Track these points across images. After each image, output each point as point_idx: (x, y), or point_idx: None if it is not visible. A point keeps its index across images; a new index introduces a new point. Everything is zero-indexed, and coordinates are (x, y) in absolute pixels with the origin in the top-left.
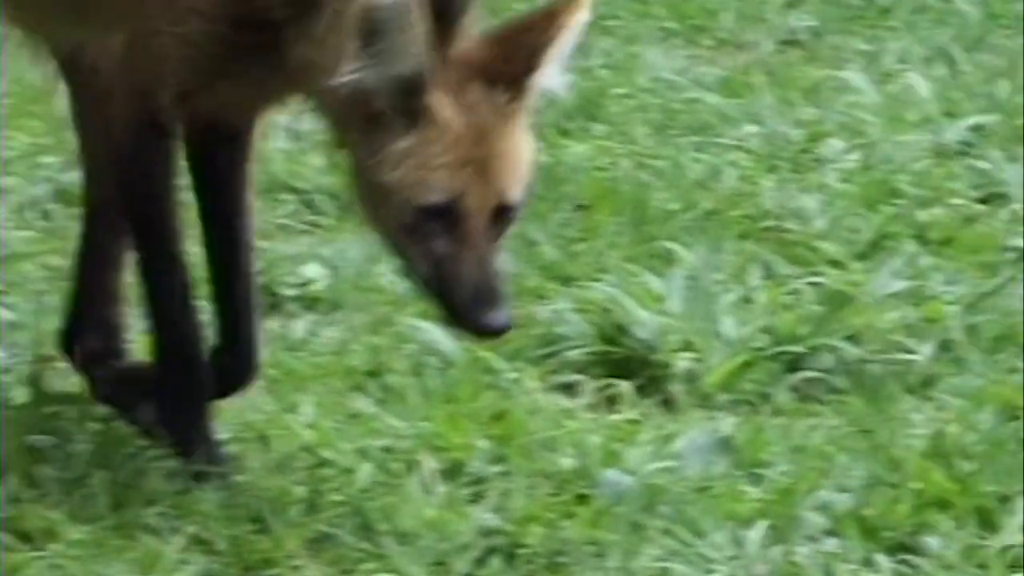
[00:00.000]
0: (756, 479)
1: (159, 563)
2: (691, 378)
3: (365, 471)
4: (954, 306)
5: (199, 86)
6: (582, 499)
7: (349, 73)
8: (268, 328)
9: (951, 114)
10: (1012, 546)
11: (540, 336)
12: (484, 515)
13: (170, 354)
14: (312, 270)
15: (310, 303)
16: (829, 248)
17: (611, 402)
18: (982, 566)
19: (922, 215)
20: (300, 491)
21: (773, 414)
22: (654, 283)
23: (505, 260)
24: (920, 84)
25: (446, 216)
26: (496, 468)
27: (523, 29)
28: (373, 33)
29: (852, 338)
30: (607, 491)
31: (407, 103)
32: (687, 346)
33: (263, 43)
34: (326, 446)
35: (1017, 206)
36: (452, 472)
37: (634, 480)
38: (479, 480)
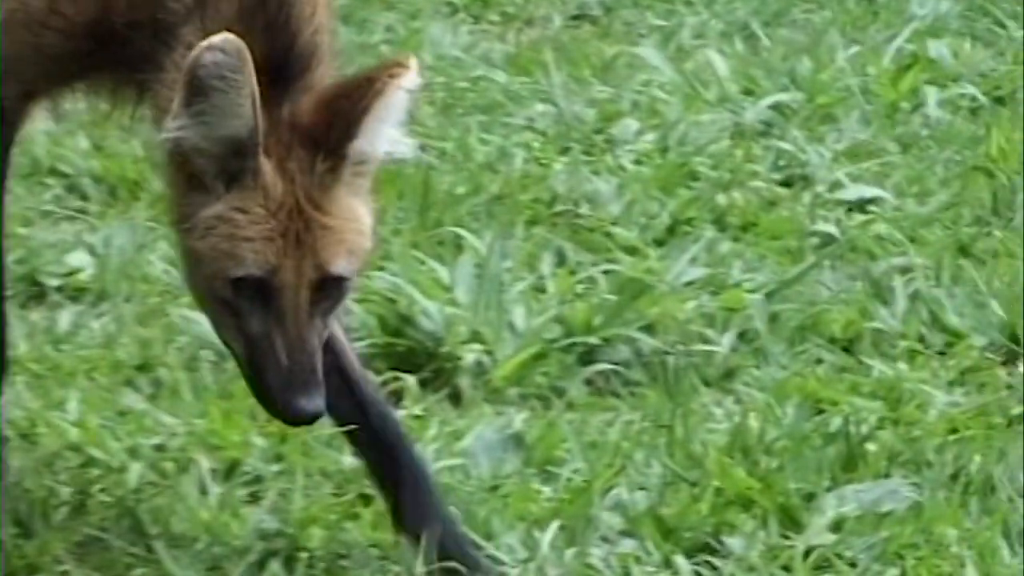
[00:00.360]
0: (549, 478)
1: None
2: (480, 371)
3: (135, 471)
4: (755, 294)
5: (47, 88)
6: (365, 499)
7: (173, 129)
8: (31, 320)
9: (751, 92)
10: (817, 546)
11: None
12: (262, 517)
13: None
14: (78, 258)
15: (76, 293)
16: (624, 234)
17: (395, 397)
18: (786, 568)
19: (721, 199)
20: (66, 492)
21: (566, 409)
22: (440, 271)
23: (329, 334)
24: (718, 61)
25: (260, 291)
26: (274, 467)
27: (344, 93)
28: (198, 90)
29: (649, 328)
30: None
31: (228, 166)
32: (475, 338)
33: (117, 62)
34: (94, 444)
35: (821, 188)
36: (228, 472)
37: None
38: (256, 480)
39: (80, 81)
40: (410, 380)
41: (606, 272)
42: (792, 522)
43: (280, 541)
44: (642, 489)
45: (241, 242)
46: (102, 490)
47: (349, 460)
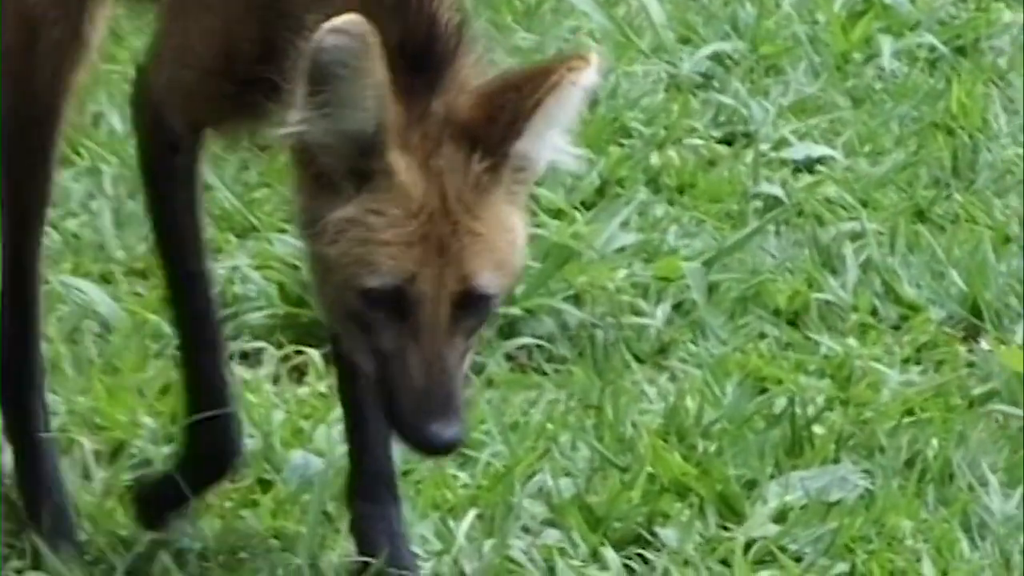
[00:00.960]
0: (465, 462)
1: None
2: None
3: (10, 453)
4: (692, 262)
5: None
6: (264, 485)
7: (294, 123)
8: None
9: (688, 41)
10: (759, 538)
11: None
12: None
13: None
14: None
15: None
16: (548, 195)
17: (298, 373)
18: (724, 562)
19: (655, 158)
20: None
21: (485, 386)
22: None
23: (465, 364)
24: (653, 6)
25: (394, 303)
26: (164, 450)
27: (511, 86)
28: (319, 79)
29: (575, 299)
30: (293, 476)
31: (357, 164)
32: None
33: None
34: None
35: (764, 147)
36: (113, 454)
37: (324, 463)
38: (144, 463)
39: (235, 102)
40: (314, 354)
41: (530, 236)
42: (732, 512)
43: (170, 531)
44: (568, 475)
45: (376, 247)
46: None
47: (247, 442)
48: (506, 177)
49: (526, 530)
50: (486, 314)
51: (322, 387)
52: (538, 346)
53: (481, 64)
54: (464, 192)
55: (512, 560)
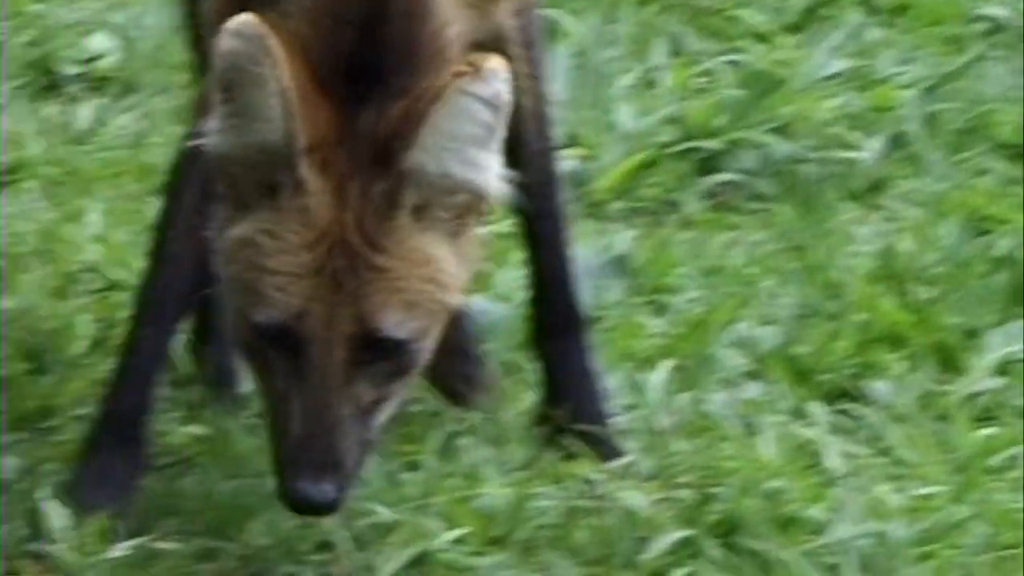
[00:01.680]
0: (659, 308)
1: None
2: (579, 181)
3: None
4: (909, 91)
5: None
6: None
7: (208, 132)
8: (45, 115)
9: None
10: (980, 392)
11: None
12: None
13: None
14: (99, 42)
15: (97, 84)
16: (752, 18)
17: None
18: (942, 417)
19: None
20: (85, 321)
21: (681, 227)
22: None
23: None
24: None
25: (283, 341)
26: None
27: (415, 97)
28: (224, 85)
29: (780, 131)
30: (475, 321)
31: (265, 177)
32: (573, 141)
33: None
34: (118, 264)
35: None
36: None
37: (507, 309)
38: None
39: None
40: None
41: (730, 63)
42: (949, 364)
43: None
44: (770, 323)
45: (264, 275)
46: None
47: None
48: (410, 200)
49: (725, 383)
50: (402, 359)
51: (504, 226)
52: (739, 182)
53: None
54: (365, 219)
55: (709, 415)
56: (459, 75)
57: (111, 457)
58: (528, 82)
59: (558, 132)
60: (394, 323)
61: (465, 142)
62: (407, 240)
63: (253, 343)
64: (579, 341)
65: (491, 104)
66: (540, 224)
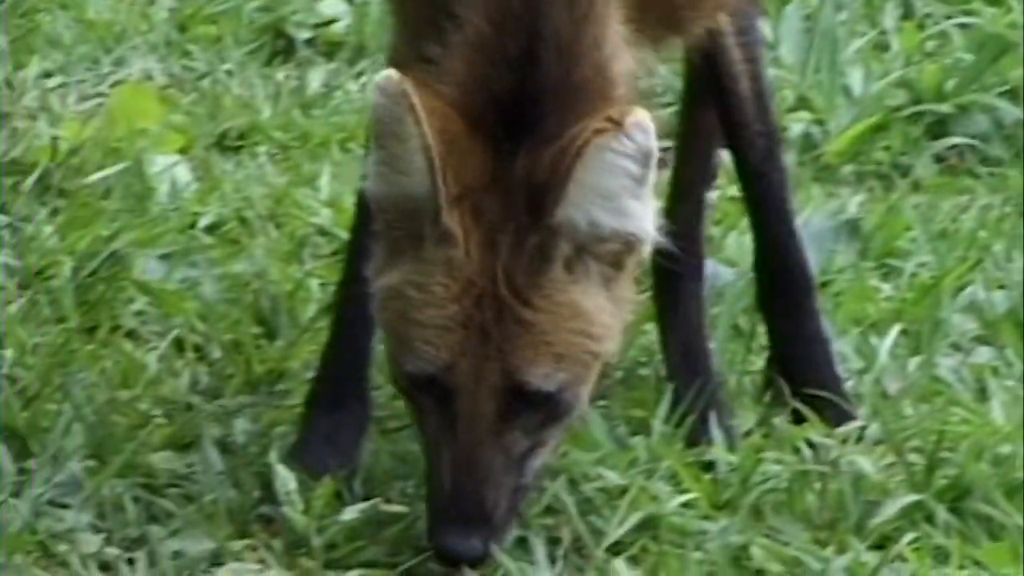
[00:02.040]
0: (890, 273)
1: (138, 374)
2: (809, 146)
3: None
4: None
5: None
6: None
7: (366, 175)
8: (277, 80)
9: None
10: None
11: None
12: None
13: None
14: (331, 7)
15: (329, 49)
16: None
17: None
18: None
19: None
20: (315, 285)
21: (911, 190)
22: (763, 27)
23: (529, 462)
24: None
25: (434, 391)
26: None
27: (560, 148)
28: (376, 134)
29: (1012, 94)
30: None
31: (413, 227)
32: (803, 105)
33: None
34: (349, 229)
35: None
36: None
37: (735, 274)
38: None
39: None
40: (724, 157)
41: (962, 26)
42: None
43: None
44: (1002, 287)
45: (412, 326)
46: None
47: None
48: (563, 253)
49: (955, 347)
50: (553, 409)
51: (733, 190)
52: (970, 146)
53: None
54: (516, 272)
55: (939, 379)
56: (601, 132)
57: (334, 417)
58: (744, 67)
59: (783, 102)
60: (542, 376)
61: (613, 195)
62: (557, 294)
63: (407, 389)
64: (808, 305)
65: (637, 157)
66: (765, 195)
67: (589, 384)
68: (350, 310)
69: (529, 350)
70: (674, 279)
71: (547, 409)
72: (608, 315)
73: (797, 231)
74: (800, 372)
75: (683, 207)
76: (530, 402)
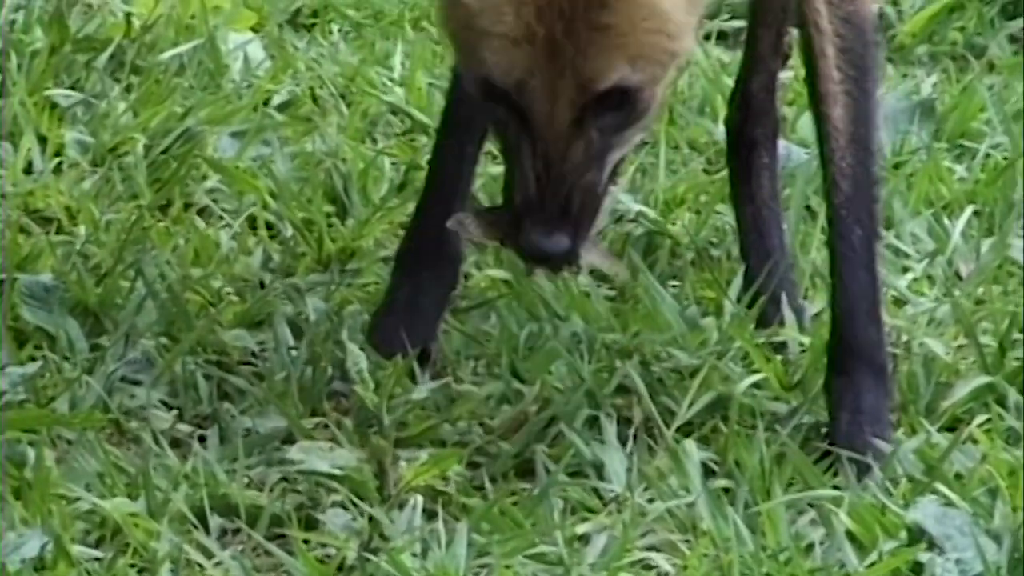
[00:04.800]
0: (963, 153)
1: (211, 252)
2: (884, 26)
3: None
4: None
5: None
6: None
7: None
8: None
9: None
10: None
11: None
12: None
13: None
14: None
15: None
16: None
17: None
18: None
19: None
20: (388, 164)
21: (986, 71)
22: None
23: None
24: None
25: (508, 101)
26: None
27: None
28: None
29: None
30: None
31: None
32: None
33: None
34: (421, 108)
35: None
36: None
37: (808, 154)
38: None
39: None
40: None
41: None
42: None
43: (642, 226)
44: None
45: (479, 36)
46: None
47: (722, 130)
48: None
49: None
50: (631, 108)
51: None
52: None
53: None
54: None
55: (1012, 261)
56: None
57: (420, 279)
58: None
59: None
60: (621, 78)
61: None
62: None
63: (481, 96)
64: (870, 189)
65: None
66: (822, 66)
67: (666, 83)
68: (448, 160)
69: (604, 57)
70: (746, 152)
71: (625, 110)
72: (683, 12)
73: (876, 119)
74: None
75: (755, 80)
76: (607, 105)
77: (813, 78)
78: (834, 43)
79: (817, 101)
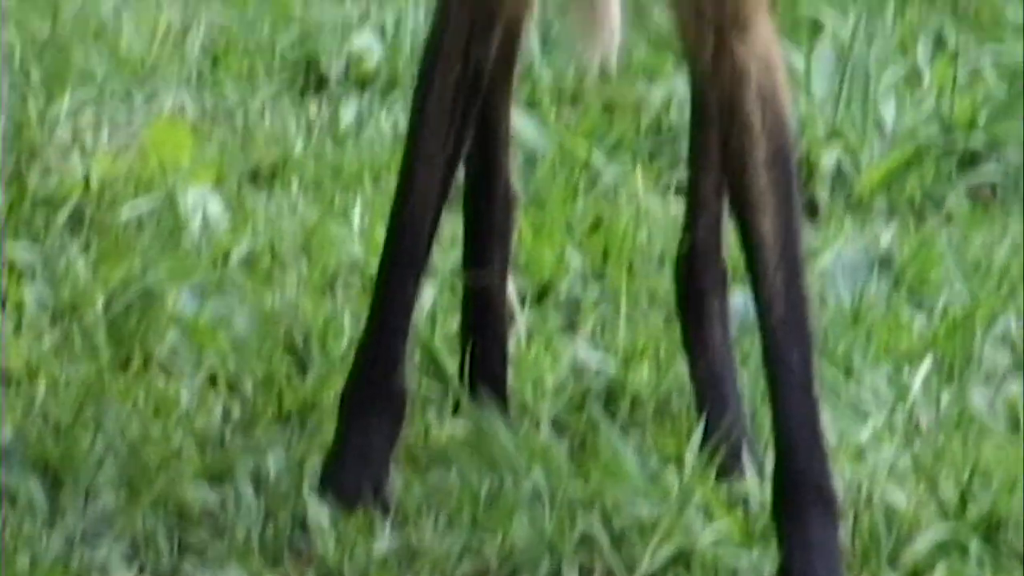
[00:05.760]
0: (921, 304)
1: (171, 408)
2: (841, 179)
3: (428, 296)
4: None
5: None
6: None
7: None
8: (309, 113)
9: None
10: None
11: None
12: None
13: None
14: (364, 40)
15: (361, 82)
16: (1017, 14)
17: None
18: None
19: None
20: (348, 318)
21: (944, 223)
22: (794, 58)
23: None
24: None
25: None
26: (592, 293)
27: None
28: None
29: None
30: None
31: None
32: (835, 137)
33: None
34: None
35: None
36: (539, 296)
37: None
38: (572, 304)
39: None
40: None
41: (993, 59)
42: None
43: (602, 378)
44: None
45: None
46: None
47: None
48: None
49: (988, 379)
50: None
51: None
52: (1002, 180)
53: None
54: None
55: (971, 412)
56: None
57: (368, 421)
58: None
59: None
60: None
61: None
62: None
63: None
64: (806, 318)
65: None
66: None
67: None
68: (392, 293)
69: None
70: (696, 301)
71: None
72: None
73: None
74: None
75: (700, 225)
76: None
77: (738, 186)
78: (762, 146)
79: (742, 211)
